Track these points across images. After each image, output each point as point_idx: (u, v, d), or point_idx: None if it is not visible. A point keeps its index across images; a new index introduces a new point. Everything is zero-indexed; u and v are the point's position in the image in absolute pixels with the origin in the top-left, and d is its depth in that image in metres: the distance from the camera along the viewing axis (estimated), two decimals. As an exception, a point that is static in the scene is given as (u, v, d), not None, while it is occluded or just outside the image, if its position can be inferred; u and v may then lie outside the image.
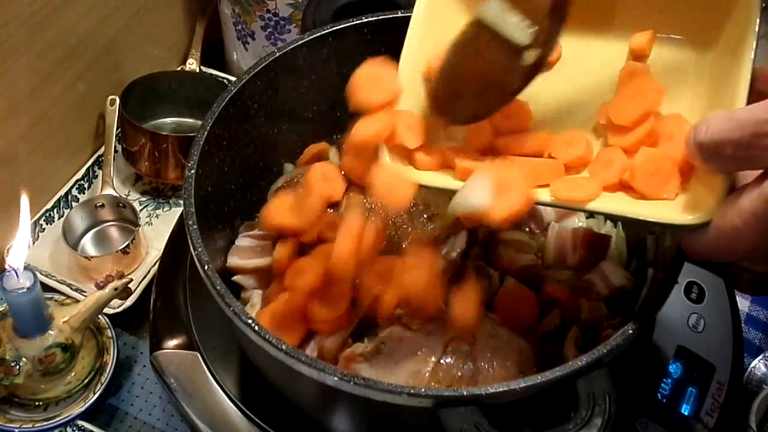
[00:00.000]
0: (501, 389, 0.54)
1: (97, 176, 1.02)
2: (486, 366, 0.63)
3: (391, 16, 0.79)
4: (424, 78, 0.62)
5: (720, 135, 0.46)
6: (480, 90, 0.57)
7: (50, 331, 0.79)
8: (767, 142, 0.44)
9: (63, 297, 0.88)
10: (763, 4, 0.53)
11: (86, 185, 1.02)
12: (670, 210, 0.52)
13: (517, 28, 0.52)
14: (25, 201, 0.79)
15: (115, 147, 1.03)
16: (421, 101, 0.61)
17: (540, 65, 0.53)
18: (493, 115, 0.58)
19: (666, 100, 0.57)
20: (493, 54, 0.54)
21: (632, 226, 0.75)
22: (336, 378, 0.54)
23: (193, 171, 0.66)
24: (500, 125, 0.61)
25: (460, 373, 0.62)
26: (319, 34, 0.77)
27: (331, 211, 0.74)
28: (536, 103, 0.61)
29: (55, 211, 0.99)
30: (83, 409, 0.81)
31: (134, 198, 1.03)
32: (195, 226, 0.63)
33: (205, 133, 0.69)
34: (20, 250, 0.75)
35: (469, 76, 0.57)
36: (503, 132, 0.61)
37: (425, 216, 0.74)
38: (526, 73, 0.54)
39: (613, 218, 0.74)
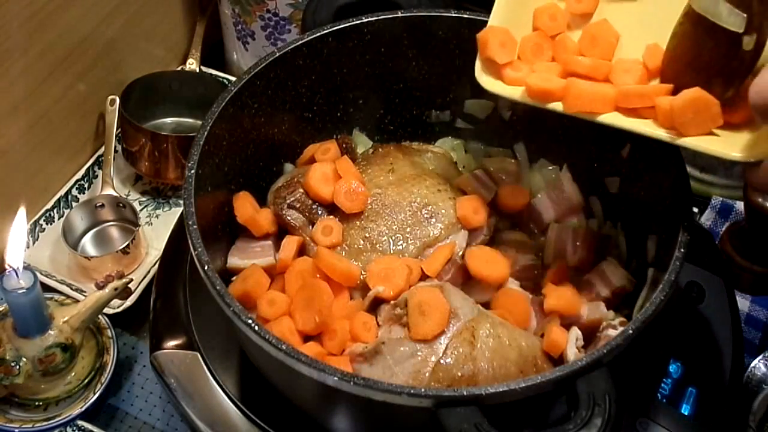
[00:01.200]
0: (501, 389, 0.54)
1: (97, 176, 1.02)
2: (486, 366, 0.63)
3: (391, 16, 0.79)
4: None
5: None
6: (706, 80, 0.58)
7: (50, 331, 0.79)
8: None
9: (63, 297, 0.88)
10: None
11: (86, 185, 1.02)
12: (730, 145, 0.57)
13: (731, 16, 0.54)
14: (22, 210, 0.79)
15: (115, 147, 1.03)
16: (515, 18, 0.67)
17: (760, 49, 0.56)
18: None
19: None
20: (714, 43, 0.57)
21: (635, 225, 0.76)
22: (336, 378, 0.54)
23: (193, 171, 0.66)
24: (585, 50, 0.67)
25: (460, 373, 0.62)
26: (319, 34, 0.77)
27: (330, 216, 0.75)
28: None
29: (55, 211, 0.99)
30: (83, 409, 0.81)
31: (134, 198, 1.03)
32: (195, 226, 0.63)
33: (205, 133, 0.69)
34: (17, 250, 0.75)
35: (693, 68, 0.59)
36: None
37: (426, 215, 0.75)
38: (748, 58, 0.56)
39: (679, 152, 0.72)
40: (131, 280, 0.85)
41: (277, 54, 0.75)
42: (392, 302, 0.68)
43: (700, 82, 0.58)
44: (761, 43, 0.55)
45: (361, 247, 0.73)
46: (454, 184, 0.78)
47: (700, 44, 0.58)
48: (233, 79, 0.98)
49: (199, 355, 0.74)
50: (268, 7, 1.04)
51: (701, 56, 0.58)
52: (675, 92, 0.60)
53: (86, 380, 0.82)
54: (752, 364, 0.85)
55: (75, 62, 0.97)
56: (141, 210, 1.02)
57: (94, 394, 0.82)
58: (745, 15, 0.54)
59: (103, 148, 1.03)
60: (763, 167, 0.54)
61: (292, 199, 0.75)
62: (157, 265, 0.87)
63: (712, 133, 0.58)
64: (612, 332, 0.66)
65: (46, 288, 0.88)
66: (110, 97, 1.04)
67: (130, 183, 1.05)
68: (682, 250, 0.61)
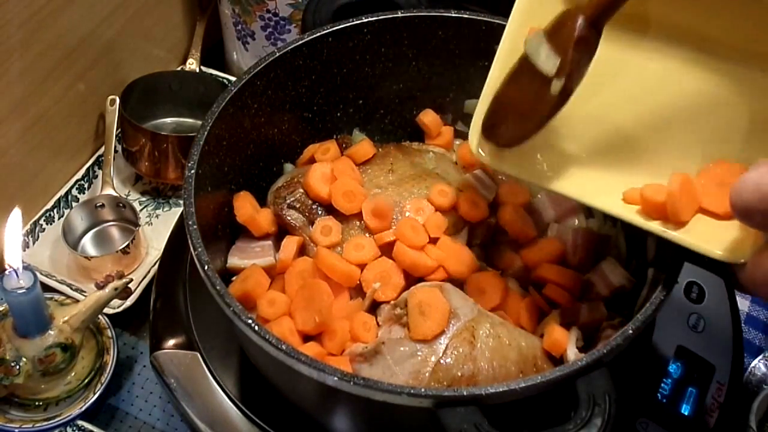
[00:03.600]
0: (501, 389, 0.54)
1: (97, 176, 1.02)
2: (486, 366, 0.63)
3: (391, 16, 0.79)
4: None
5: (747, 204, 0.48)
6: (518, 116, 0.60)
7: (50, 331, 0.79)
8: None
9: (63, 297, 0.88)
10: None
11: (86, 185, 1.02)
12: (713, 242, 0.55)
13: (546, 58, 0.55)
14: (17, 210, 0.79)
15: (115, 147, 1.03)
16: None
17: (566, 95, 0.56)
18: (528, 139, 0.60)
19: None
20: (530, 82, 0.57)
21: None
22: (336, 378, 0.54)
23: (193, 171, 0.66)
24: None
25: (460, 373, 0.62)
26: (319, 34, 0.77)
27: (328, 216, 0.75)
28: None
29: (55, 211, 0.99)
30: (83, 409, 0.81)
31: (134, 198, 1.03)
32: (195, 226, 0.63)
33: (205, 133, 0.68)
34: (14, 250, 0.75)
35: (511, 102, 0.60)
36: None
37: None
38: (555, 101, 0.56)
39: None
40: (131, 280, 0.85)
41: (277, 54, 0.75)
42: (392, 302, 0.68)
43: (513, 116, 0.60)
44: (567, 91, 0.56)
45: (361, 247, 0.73)
46: (454, 184, 0.78)
47: (518, 80, 0.59)
48: (233, 79, 0.98)
49: (199, 355, 0.74)
50: (268, 7, 1.04)
51: (517, 91, 0.60)
52: (495, 124, 0.61)
53: (86, 380, 0.82)
54: (752, 364, 0.85)
55: (75, 62, 0.97)
56: (141, 210, 1.02)
57: (94, 394, 0.82)
58: (559, 59, 0.54)
59: (103, 148, 1.03)
60: (748, 268, 0.52)
61: (292, 199, 0.75)
62: (157, 265, 0.87)
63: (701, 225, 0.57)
64: (612, 332, 0.66)
65: (46, 288, 0.88)
66: (110, 97, 1.04)
67: (130, 183, 1.05)
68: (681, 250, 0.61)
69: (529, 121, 0.59)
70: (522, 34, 0.59)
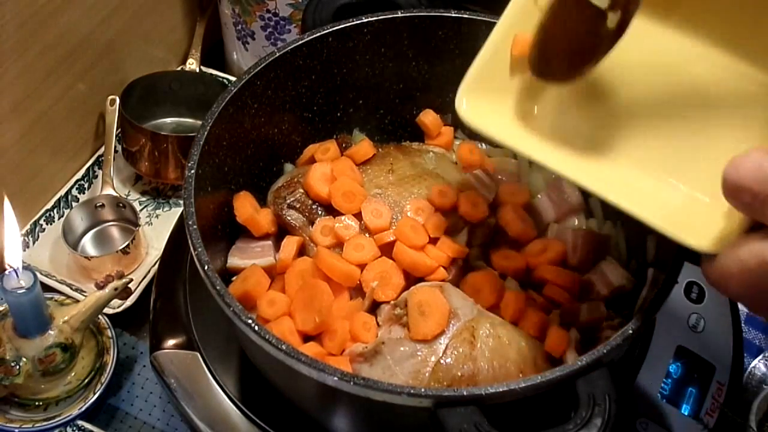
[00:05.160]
0: (501, 389, 0.54)
1: (97, 176, 1.02)
2: (486, 366, 0.63)
3: (391, 16, 0.79)
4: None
5: (742, 181, 0.45)
6: (569, 53, 0.58)
7: (50, 331, 0.79)
8: None
9: (63, 297, 0.88)
10: None
11: (86, 185, 1.02)
12: (687, 229, 0.52)
13: None
14: (8, 205, 0.78)
15: (115, 147, 1.03)
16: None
17: (622, 28, 0.54)
18: (583, 75, 0.58)
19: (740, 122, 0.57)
20: (579, 17, 0.55)
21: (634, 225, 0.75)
22: (336, 378, 0.54)
23: (193, 171, 0.66)
24: None
25: (460, 373, 0.62)
26: (319, 34, 0.77)
27: (328, 216, 0.75)
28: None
29: (55, 211, 0.99)
30: (83, 409, 0.81)
31: (134, 198, 1.03)
32: (195, 226, 0.63)
33: (205, 133, 0.69)
34: (13, 250, 0.75)
35: (558, 39, 0.58)
36: None
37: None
38: (610, 36, 0.55)
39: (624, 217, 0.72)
40: (131, 280, 0.85)
41: (277, 54, 0.75)
42: (392, 302, 0.68)
43: (563, 54, 0.58)
44: (624, 23, 0.54)
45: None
46: (454, 184, 0.78)
47: (565, 17, 0.57)
48: (233, 79, 0.98)
49: (199, 355, 0.74)
50: (268, 7, 1.04)
51: (565, 29, 0.57)
52: (542, 67, 0.59)
53: (86, 380, 0.82)
54: (752, 364, 0.85)
55: (75, 62, 0.97)
56: (141, 210, 1.02)
57: (94, 394, 0.82)
58: None
59: (103, 148, 1.03)
60: (717, 262, 0.49)
61: (292, 199, 0.75)
62: (157, 265, 0.87)
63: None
64: (612, 332, 0.66)
65: (46, 288, 0.88)
66: (110, 97, 1.04)
67: (130, 183, 1.05)
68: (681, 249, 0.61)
69: (580, 58, 0.57)
70: None
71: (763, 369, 0.85)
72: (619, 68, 0.60)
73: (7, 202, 0.78)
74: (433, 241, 0.73)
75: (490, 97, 0.60)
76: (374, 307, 0.70)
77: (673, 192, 0.57)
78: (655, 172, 0.58)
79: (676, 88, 0.61)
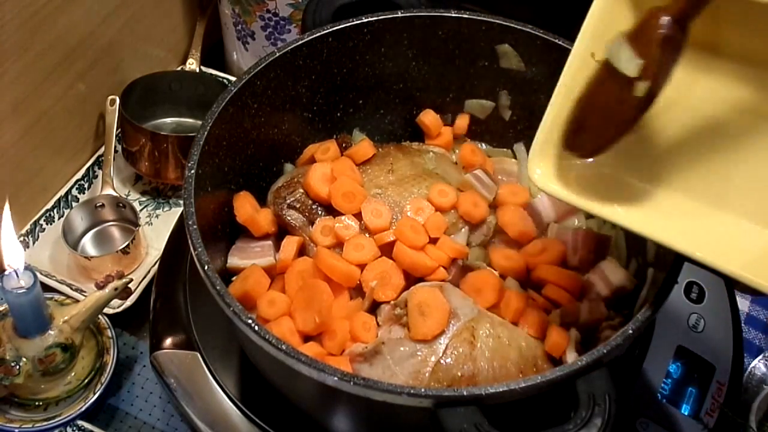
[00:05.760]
0: (501, 389, 0.54)
1: (97, 176, 1.02)
2: (486, 366, 0.63)
3: (391, 16, 0.79)
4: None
5: None
6: (599, 122, 0.58)
7: (50, 331, 0.79)
8: None
9: (63, 297, 0.88)
10: None
11: (86, 185, 1.02)
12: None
13: (627, 60, 0.54)
14: (6, 209, 0.78)
15: (115, 147, 1.03)
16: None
17: (652, 97, 0.55)
18: (612, 145, 0.58)
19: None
20: (611, 86, 0.56)
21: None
22: (336, 378, 0.54)
23: (193, 171, 0.66)
24: None
25: (460, 373, 0.62)
26: (319, 34, 0.77)
27: (328, 216, 0.75)
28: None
29: (55, 211, 0.98)
30: (83, 409, 0.81)
31: (134, 198, 1.03)
32: (195, 226, 0.63)
33: (205, 133, 0.69)
34: (12, 250, 0.75)
35: (592, 108, 0.59)
36: None
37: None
38: (638, 104, 0.55)
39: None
40: (131, 280, 0.85)
41: (277, 54, 0.75)
42: (392, 302, 0.68)
43: (594, 123, 0.58)
44: (653, 93, 0.55)
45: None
46: (454, 184, 0.78)
47: (600, 85, 0.58)
48: (233, 79, 0.98)
49: (199, 355, 0.75)
50: (268, 7, 1.04)
51: (599, 97, 0.58)
52: (577, 132, 0.59)
53: (86, 380, 0.82)
54: (752, 364, 0.85)
55: (75, 62, 0.97)
56: (141, 210, 1.02)
57: (94, 394, 0.82)
58: (641, 61, 0.53)
59: (103, 148, 1.03)
60: None
61: (292, 199, 0.75)
62: (157, 265, 0.87)
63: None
64: (612, 332, 0.66)
65: (46, 288, 0.88)
66: (110, 97, 1.04)
67: (130, 183, 1.05)
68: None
69: (612, 126, 0.58)
70: (595, 42, 0.58)
71: (763, 369, 0.85)
72: (665, 111, 0.60)
73: (5, 205, 0.78)
74: (433, 241, 0.73)
75: (559, 160, 0.61)
76: (374, 307, 0.70)
77: (755, 237, 0.57)
78: (735, 217, 0.58)
79: (735, 133, 0.60)
